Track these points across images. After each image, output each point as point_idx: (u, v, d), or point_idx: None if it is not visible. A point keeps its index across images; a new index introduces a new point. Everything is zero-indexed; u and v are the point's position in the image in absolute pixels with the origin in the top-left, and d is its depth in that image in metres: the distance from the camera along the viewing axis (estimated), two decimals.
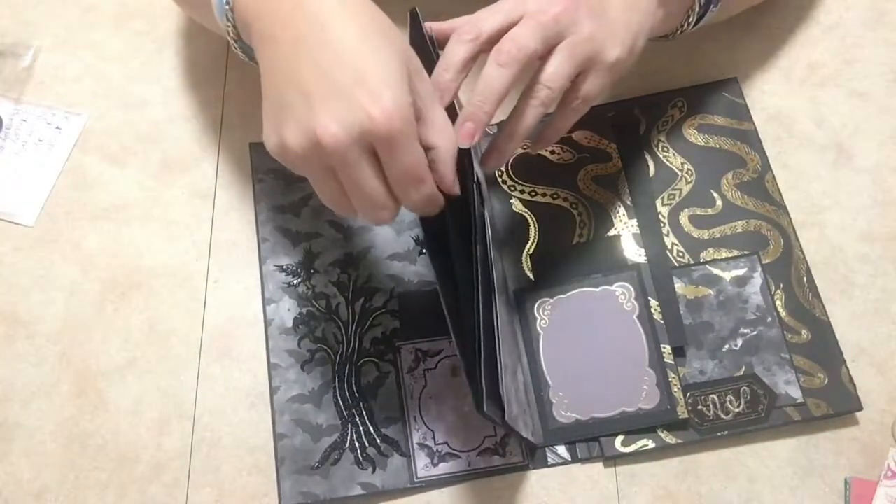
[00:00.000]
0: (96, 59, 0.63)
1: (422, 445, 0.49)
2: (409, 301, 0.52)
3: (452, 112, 0.41)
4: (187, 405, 0.52)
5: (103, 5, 0.65)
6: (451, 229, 0.43)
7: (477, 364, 0.38)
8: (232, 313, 0.54)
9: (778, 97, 0.58)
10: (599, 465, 0.49)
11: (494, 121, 0.44)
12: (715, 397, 0.49)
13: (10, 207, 0.58)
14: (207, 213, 0.57)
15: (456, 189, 0.39)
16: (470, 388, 0.40)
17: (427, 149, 0.37)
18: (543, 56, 0.40)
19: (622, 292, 0.51)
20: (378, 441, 0.49)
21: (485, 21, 0.40)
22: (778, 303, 0.51)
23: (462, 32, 0.40)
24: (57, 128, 0.60)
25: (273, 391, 0.50)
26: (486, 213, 0.42)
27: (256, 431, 0.50)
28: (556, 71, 0.40)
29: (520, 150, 0.56)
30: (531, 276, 0.52)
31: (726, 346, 0.50)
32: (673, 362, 0.49)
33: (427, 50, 0.43)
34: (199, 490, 0.50)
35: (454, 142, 0.38)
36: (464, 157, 0.41)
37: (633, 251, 0.52)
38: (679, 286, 0.52)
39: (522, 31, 0.39)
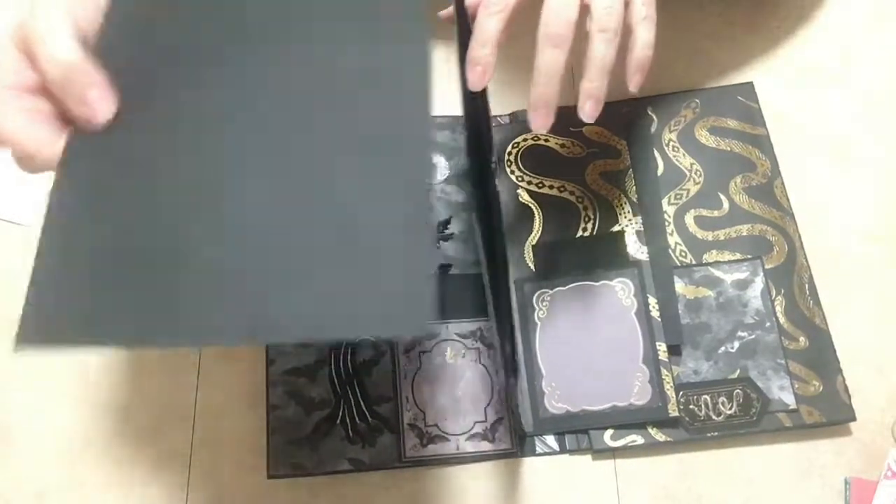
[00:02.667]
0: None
1: (412, 426, 0.53)
2: None
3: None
4: (187, 405, 0.55)
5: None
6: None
7: (513, 339, 0.41)
8: None
9: (779, 97, 0.61)
10: (599, 461, 0.52)
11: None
12: (707, 398, 0.53)
13: (10, 207, 0.61)
14: None
15: (99, 110, 0.36)
16: (502, 362, 0.42)
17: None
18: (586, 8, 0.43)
19: (622, 288, 0.55)
20: (369, 418, 0.53)
21: None
22: (778, 308, 0.54)
23: (490, 4, 0.43)
24: None
25: (269, 363, 0.55)
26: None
27: (256, 431, 0.53)
28: (609, 6, 0.43)
29: (529, 142, 0.61)
30: (532, 266, 0.56)
31: (722, 348, 0.54)
32: (667, 360, 0.53)
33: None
34: (199, 490, 0.53)
35: (55, 64, 0.35)
36: (484, 142, 0.44)
37: (635, 248, 0.56)
38: (679, 286, 0.55)
39: (561, 2, 0.42)
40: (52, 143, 0.36)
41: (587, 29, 0.44)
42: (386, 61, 0.37)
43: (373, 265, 0.32)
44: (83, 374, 0.56)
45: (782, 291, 0.55)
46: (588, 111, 0.45)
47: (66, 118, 0.37)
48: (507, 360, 0.41)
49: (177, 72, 0.38)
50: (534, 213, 0.58)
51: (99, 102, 0.37)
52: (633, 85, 0.46)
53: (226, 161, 0.35)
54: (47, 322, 0.33)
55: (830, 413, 0.51)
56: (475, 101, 0.45)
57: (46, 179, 0.62)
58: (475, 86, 0.43)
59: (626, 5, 0.44)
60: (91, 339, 0.33)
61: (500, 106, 0.62)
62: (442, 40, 0.64)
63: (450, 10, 0.48)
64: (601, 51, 0.43)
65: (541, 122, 0.44)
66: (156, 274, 0.33)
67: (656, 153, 0.59)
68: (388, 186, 0.34)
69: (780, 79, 0.62)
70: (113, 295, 0.33)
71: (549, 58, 0.43)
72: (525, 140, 0.61)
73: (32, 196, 0.62)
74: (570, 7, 0.43)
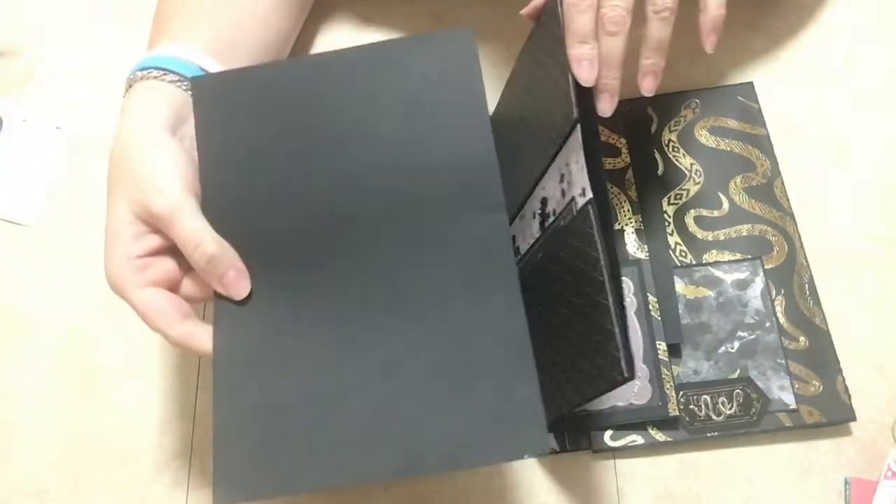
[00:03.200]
0: (96, 58, 0.67)
1: None
2: None
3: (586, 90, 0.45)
4: (187, 405, 0.55)
5: (104, 4, 0.69)
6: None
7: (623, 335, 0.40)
8: None
9: (780, 97, 0.62)
10: (600, 461, 0.53)
11: None
12: (707, 398, 0.53)
13: (10, 207, 0.61)
14: None
15: (239, 291, 0.43)
16: (621, 355, 0.40)
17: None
18: None
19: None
20: None
21: None
22: (778, 308, 0.55)
23: (578, 1, 0.45)
24: (57, 127, 0.64)
25: None
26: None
27: None
28: None
29: None
30: None
31: (723, 348, 0.54)
32: (667, 360, 0.53)
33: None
34: (199, 490, 0.53)
35: (200, 254, 0.42)
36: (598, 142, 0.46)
37: (635, 247, 0.57)
38: (679, 285, 0.56)
39: None
40: (174, 328, 0.42)
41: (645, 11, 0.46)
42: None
43: (488, 402, 0.40)
44: (83, 374, 0.57)
45: (782, 291, 0.55)
46: (647, 86, 0.48)
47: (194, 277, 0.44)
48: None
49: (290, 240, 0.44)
50: None
51: (237, 284, 0.43)
52: (709, 45, 0.48)
53: (351, 323, 0.42)
54: (236, 482, 0.39)
55: (830, 413, 0.52)
56: (585, 99, 0.45)
57: (46, 180, 0.63)
58: (587, 81, 0.45)
59: None
60: (279, 490, 0.40)
61: None
62: None
63: (532, 7, 0.49)
64: (657, 30, 0.46)
65: (607, 107, 0.47)
66: (317, 424, 0.40)
67: (656, 153, 0.60)
68: (490, 334, 0.42)
69: (781, 79, 0.63)
70: (287, 447, 0.40)
71: (608, 46, 0.45)
72: None
73: (33, 196, 0.62)
74: None
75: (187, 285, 0.45)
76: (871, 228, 0.57)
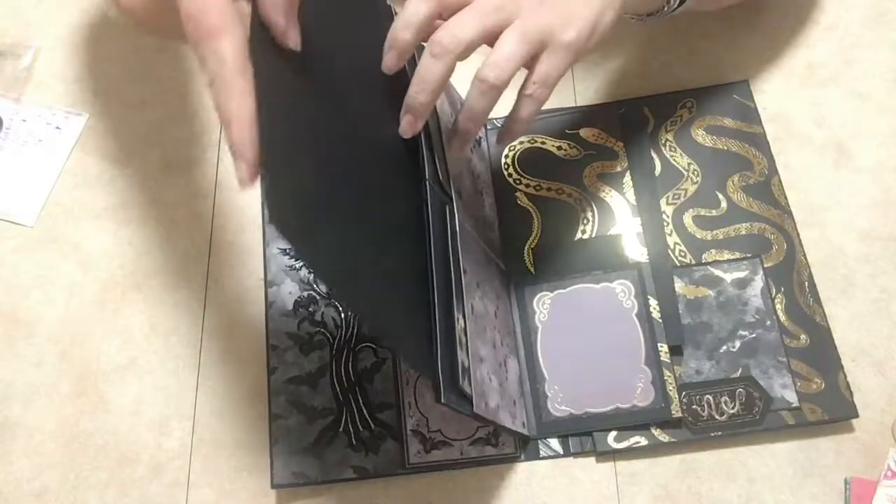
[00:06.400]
0: (96, 58, 0.69)
1: (415, 432, 0.54)
2: None
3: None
4: (187, 405, 0.57)
5: (103, 5, 0.71)
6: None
7: (435, 357, 0.40)
8: (232, 313, 0.59)
9: (778, 97, 0.63)
10: (600, 462, 0.54)
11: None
12: (710, 398, 0.54)
13: (10, 207, 0.63)
14: (207, 212, 0.62)
15: None
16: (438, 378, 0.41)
17: None
18: (491, 41, 0.43)
19: (622, 289, 0.56)
20: (372, 425, 0.55)
21: None
22: (778, 306, 0.56)
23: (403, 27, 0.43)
24: (57, 128, 0.66)
25: (270, 372, 0.56)
26: (455, 209, 0.46)
27: (256, 431, 0.55)
28: (503, 54, 0.43)
29: (526, 145, 0.62)
30: (532, 269, 0.58)
31: (724, 348, 0.55)
32: (669, 361, 0.54)
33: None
34: (199, 490, 0.54)
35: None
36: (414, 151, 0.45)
37: (634, 249, 0.58)
38: (679, 286, 0.57)
39: (461, 20, 0.42)
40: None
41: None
42: None
43: None
44: (83, 373, 0.58)
45: (782, 289, 0.56)
46: (402, 125, 0.44)
47: None
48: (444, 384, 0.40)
49: None
50: (532, 216, 0.59)
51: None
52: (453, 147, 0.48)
53: None
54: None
55: (833, 410, 0.53)
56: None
57: (46, 180, 0.63)
58: (388, 69, 0.44)
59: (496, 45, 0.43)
60: None
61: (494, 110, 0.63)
62: None
63: None
64: (423, 64, 0.43)
65: (404, 127, 0.44)
66: None
67: (653, 153, 0.61)
68: None
69: (779, 78, 0.64)
70: None
71: (425, 65, 0.42)
72: (521, 143, 0.62)
73: (33, 196, 0.64)
74: (468, 25, 0.42)
75: None
76: (870, 227, 0.59)
